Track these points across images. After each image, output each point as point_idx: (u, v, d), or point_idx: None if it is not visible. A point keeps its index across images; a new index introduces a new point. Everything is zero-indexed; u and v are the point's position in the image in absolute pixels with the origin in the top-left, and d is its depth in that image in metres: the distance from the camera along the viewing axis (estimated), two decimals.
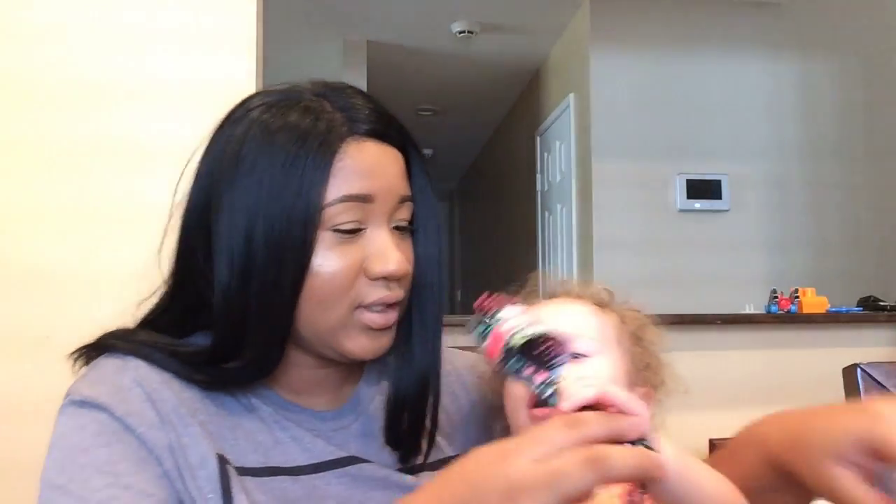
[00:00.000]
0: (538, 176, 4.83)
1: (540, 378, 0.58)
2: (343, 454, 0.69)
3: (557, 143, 4.41)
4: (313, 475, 0.67)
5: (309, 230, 0.65)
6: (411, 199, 0.71)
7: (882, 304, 2.94)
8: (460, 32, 4.19)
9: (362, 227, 0.67)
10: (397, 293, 0.69)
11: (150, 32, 1.63)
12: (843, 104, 3.93)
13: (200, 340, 0.70)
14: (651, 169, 3.74)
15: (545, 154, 4.72)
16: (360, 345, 0.68)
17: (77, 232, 1.56)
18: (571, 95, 4.12)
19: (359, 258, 0.67)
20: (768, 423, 0.66)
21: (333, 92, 0.70)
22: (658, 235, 3.68)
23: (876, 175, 3.89)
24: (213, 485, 0.63)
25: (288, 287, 0.65)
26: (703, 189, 3.75)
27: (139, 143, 1.60)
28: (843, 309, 2.77)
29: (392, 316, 0.69)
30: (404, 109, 5.40)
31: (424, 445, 0.73)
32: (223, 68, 1.64)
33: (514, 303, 0.62)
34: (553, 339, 0.59)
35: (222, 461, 0.64)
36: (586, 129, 3.84)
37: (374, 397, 0.75)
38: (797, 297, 2.80)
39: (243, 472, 0.65)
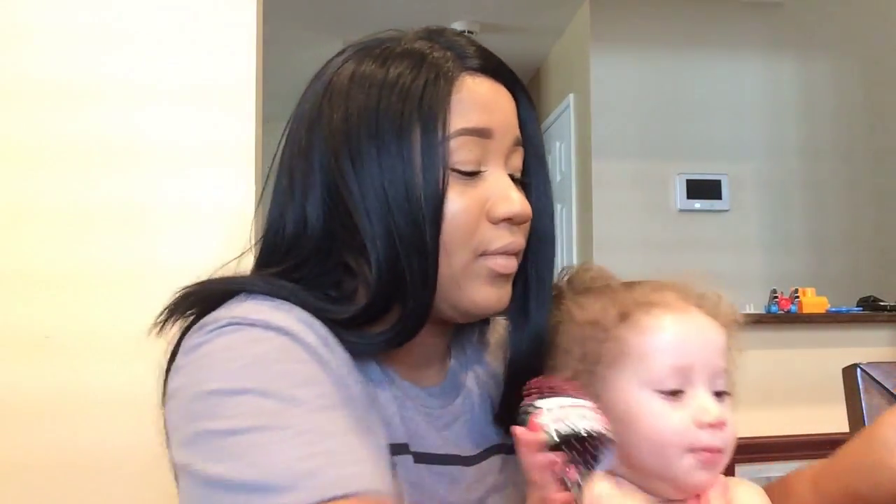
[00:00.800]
0: None
1: (572, 475, 0.55)
2: (445, 451, 0.66)
3: (557, 143, 4.41)
4: (421, 465, 0.65)
5: (435, 164, 0.61)
6: (523, 145, 0.68)
7: (882, 304, 2.94)
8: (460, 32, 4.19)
9: (481, 168, 0.64)
10: (520, 240, 0.66)
11: (149, 32, 1.63)
12: (842, 104, 3.93)
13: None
14: (651, 169, 3.74)
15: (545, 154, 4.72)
16: (485, 295, 0.64)
17: (76, 232, 1.56)
18: (571, 95, 4.12)
19: (480, 201, 0.63)
20: (811, 468, 0.68)
21: (435, 33, 0.69)
22: (658, 235, 3.68)
23: (876, 175, 3.89)
24: None
25: (428, 228, 0.60)
26: (703, 189, 3.75)
27: (139, 143, 1.60)
28: (843, 309, 2.77)
29: (514, 263, 0.66)
30: None
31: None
32: (223, 68, 1.64)
33: (561, 389, 0.58)
34: (590, 439, 0.56)
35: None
36: (586, 129, 3.84)
37: (466, 373, 0.73)
38: (797, 297, 2.80)
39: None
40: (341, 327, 0.61)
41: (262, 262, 0.67)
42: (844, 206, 3.85)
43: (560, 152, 4.36)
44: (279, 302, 0.60)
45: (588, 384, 0.66)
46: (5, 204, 1.55)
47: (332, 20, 4.10)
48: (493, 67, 0.67)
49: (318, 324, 0.60)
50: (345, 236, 0.63)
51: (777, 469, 2.42)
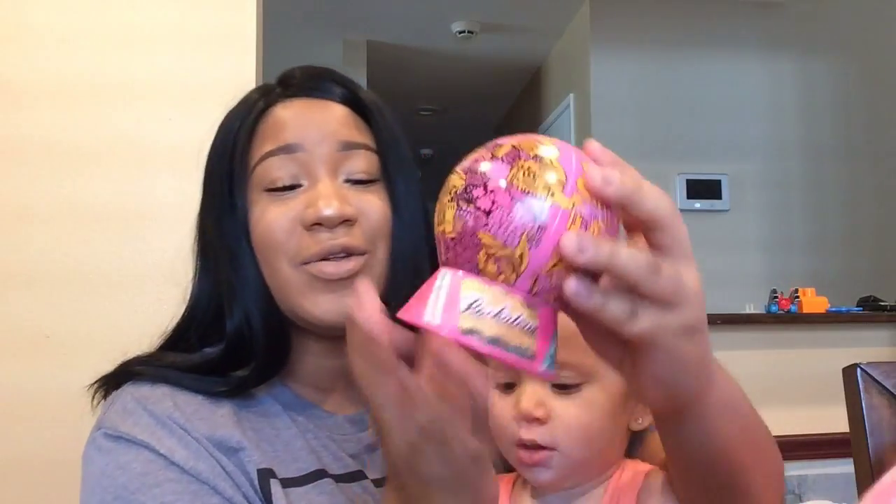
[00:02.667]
0: None
1: None
2: (357, 468, 0.67)
3: None
4: (350, 483, 0.65)
5: (238, 191, 0.65)
6: (368, 148, 0.67)
7: (882, 304, 2.94)
8: (460, 32, 4.19)
9: (299, 182, 0.65)
10: (344, 239, 0.63)
11: (149, 32, 1.63)
12: (843, 104, 3.92)
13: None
14: (651, 169, 3.72)
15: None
16: (317, 303, 0.63)
17: (77, 232, 1.56)
18: (571, 95, 4.12)
19: (294, 210, 0.64)
20: None
21: (289, 70, 0.72)
22: None
23: (876, 175, 3.89)
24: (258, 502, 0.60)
25: (243, 251, 0.65)
26: (703, 189, 3.75)
27: (139, 143, 1.60)
28: (843, 309, 2.77)
29: (347, 265, 0.63)
30: (404, 109, 5.39)
31: None
32: (223, 68, 1.64)
33: None
34: None
35: (265, 475, 0.61)
36: (586, 129, 3.84)
37: None
38: (797, 297, 2.80)
39: (287, 483, 0.62)
40: (213, 379, 0.65)
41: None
42: (844, 206, 3.85)
43: None
44: (152, 389, 0.64)
45: None
46: (5, 204, 1.55)
47: (332, 20, 4.10)
48: (312, 86, 0.69)
49: (184, 404, 0.63)
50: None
51: None
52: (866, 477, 0.86)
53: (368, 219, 0.65)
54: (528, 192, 0.38)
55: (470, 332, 0.38)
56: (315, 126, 0.66)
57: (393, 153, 0.69)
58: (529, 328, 0.38)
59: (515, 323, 0.38)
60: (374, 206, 0.66)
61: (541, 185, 0.38)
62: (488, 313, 0.38)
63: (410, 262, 0.67)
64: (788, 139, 3.86)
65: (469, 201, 0.39)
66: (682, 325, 0.40)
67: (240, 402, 0.65)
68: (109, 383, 0.68)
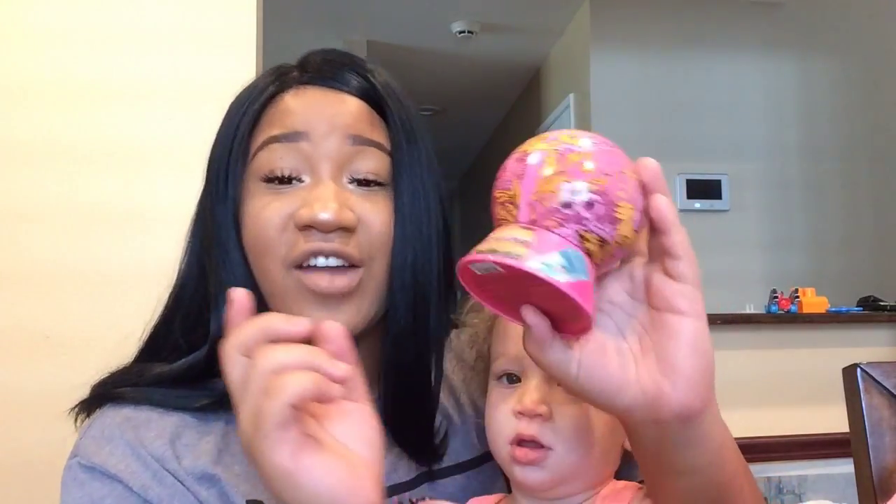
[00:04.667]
0: None
1: None
2: None
3: None
4: None
5: (233, 179, 0.61)
6: (380, 147, 0.63)
7: (882, 304, 2.94)
8: (460, 32, 4.19)
9: (300, 177, 0.60)
10: (337, 246, 0.59)
11: (148, 32, 1.63)
12: (843, 104, 3.92)
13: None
14: None
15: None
16: (311, 317, 0.59)
17: (76, 232, 1.56)
18: (571, 95, 4.12)
19: (290, 207, 0.59)
20: None
21: (309, 53, 0.67)
22: None
23: (876, 175, 3.89)
24: None
25: (232, 243, 0.60)
26: (703, 189, 3.75)
27: (138, 144, 1.60)
28: (843, 309, 2.76)
29: (342, 280, 0.59)
30: None
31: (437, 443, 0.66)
32: (223, 68, 1.64)
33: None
34: None
35: None
36: (586, 129, 3.83)
37: None
38: (797, 297, 2.80)
39: None
40: (195, 390, 0.62)
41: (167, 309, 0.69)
42: (844, 206, 3.85)
43: None
44: (138, 411, 0.61)
45: (480, 388, 0.66)
46: (5, 204, 1.55)
47: (332, 20, 4.10)
48: (331, 76, 0.64)
49: (165, 431, 0.60)
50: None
51: (777, 469, 2.42)
52: (866, 477, 0.86)
53: (369, 230, 0.61)
54: (523, 150, 0.47)
55: (473, 252, 0.44)
56: (325, 117, 0.61)
57: (407, 155, 0.63)
58: (522, 240, 0.44)
59: (509, 238, 0.44)
60: (376, 215, 0.61)
61: (531, 143, 0.47)
62: (491, 238, 0.45)
63: (411, 278, 0.62)
64: (788, 139, 3.86)
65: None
66: None
67: (230, 417, 0.62)
68: (91, 406, 0.65)
